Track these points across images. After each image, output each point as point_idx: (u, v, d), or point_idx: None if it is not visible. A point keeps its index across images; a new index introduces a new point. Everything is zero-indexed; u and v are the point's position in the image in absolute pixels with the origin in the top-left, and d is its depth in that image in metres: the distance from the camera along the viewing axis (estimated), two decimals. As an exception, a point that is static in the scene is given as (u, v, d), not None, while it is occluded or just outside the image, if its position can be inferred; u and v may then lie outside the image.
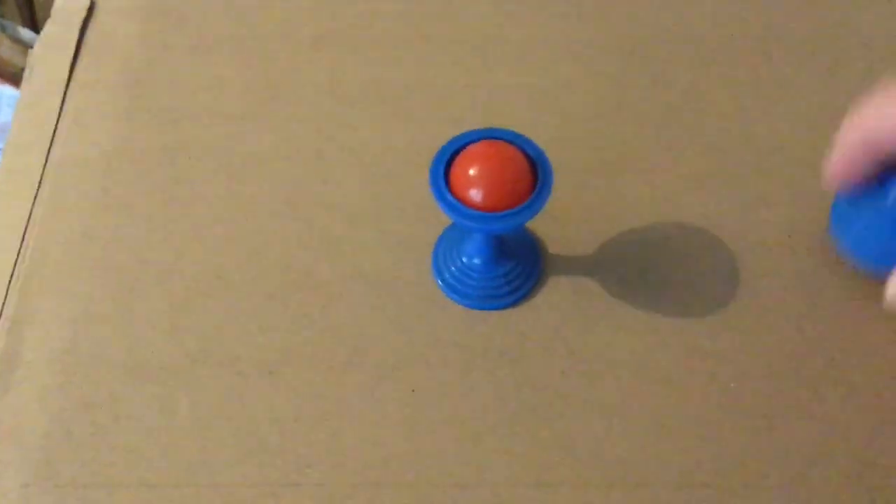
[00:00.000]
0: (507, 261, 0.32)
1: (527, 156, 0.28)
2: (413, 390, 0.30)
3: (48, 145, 0.35)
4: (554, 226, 0.33)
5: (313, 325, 0.32)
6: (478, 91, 0.37)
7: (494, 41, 0.39)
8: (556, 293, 0.32)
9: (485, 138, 0.28)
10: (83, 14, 0.39)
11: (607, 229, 0.33)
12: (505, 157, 0.28)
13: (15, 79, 1.42)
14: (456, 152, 0.28)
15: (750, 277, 0.32)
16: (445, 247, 0.33)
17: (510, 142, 0.28)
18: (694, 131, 0.36)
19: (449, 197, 0.27)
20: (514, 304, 0.32)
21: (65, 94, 0.37)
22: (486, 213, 0.27)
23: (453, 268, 0.32)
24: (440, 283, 0.32)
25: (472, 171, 0.27)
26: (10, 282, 0.32)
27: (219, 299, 0.32)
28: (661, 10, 0.40)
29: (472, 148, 0.28)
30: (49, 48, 0.38)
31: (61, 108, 0.36)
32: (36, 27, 1.52)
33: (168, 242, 0.33)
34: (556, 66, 0.38)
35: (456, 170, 0.28)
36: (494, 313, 0.32)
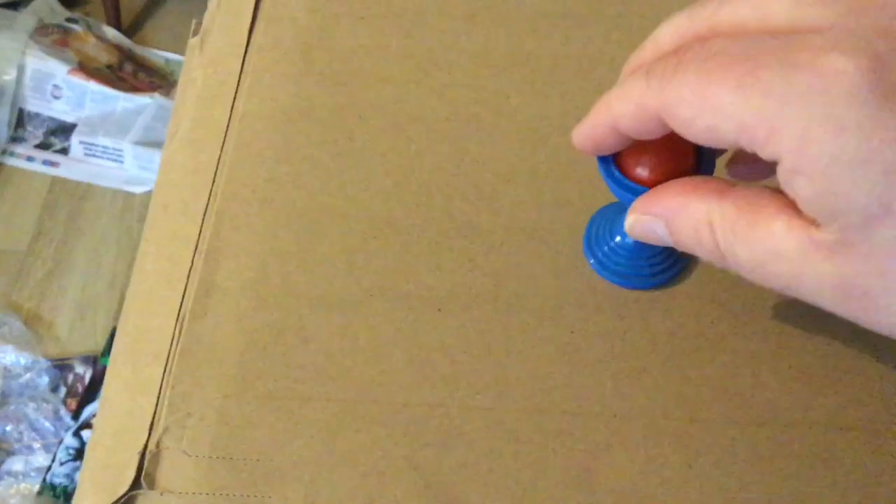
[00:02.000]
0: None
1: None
2: (572, 332, 0.33)
3: (232, 100, 0.39)
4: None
5: (476, 269, 0.34)
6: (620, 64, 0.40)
7: (636, 17, 0.41)
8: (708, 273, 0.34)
9: None
10: (257, -15, 0.42)
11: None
12: (671, 135, 0.30)
13: (100, 74, 1.49)
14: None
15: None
16: (599, 225, 0.34)
17: None
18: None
19: (616, 173, 0.29)
20: (667, 282, 0.34)
21: (244, 55, 0.40)
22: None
23: (606, 248, 0.34)
24: (592, 261, 0.34)
25: (638, 148, 0.29)
26: (203, 218, 0.35)
27: (389, 243, 0.35)
28: None
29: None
30: (226, 15, 0.42)
31: (242, 68, 0.40)
32: (120, 26, 1.59)
33: (343, 190, 0.36)
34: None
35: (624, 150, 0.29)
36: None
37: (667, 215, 0.27)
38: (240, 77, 0.39)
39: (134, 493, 0.29)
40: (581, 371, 0.32)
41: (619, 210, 0.33)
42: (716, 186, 0.26)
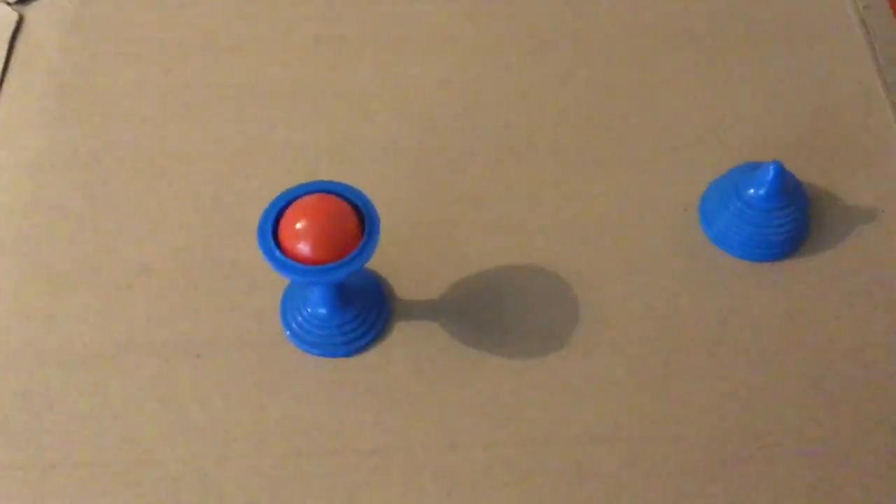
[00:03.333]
0: (351, 308, 0.32)
1: (355, 207, 0.29)
2: (334, 367, 0.32)
3: (-22, 152, 0.37)
4: (403, 270, 0.34)
5: (236, 310, 0.33)
6: (394, 87, 0.39)
7: (406, 40, 0.41)
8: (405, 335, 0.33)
9: (309, 192, 0.29)
10: (12, 27, 0.41)
11: (454, 273, 0.34)
12: (330, 210, 0.28)
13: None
14: (283, 209, 0.29)
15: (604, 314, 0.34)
16: (293, 296, 0.33)
17: (335, 193, 0.29)
18: (539, 175, 0.37)
19: (277, 254, 0.28)
20: (363, 349, 0.33)
21: (-6, 103, 0.38)
22: (311, 266, 0.28)
23: (300, 318, 0.32)
24: (287, 332, 0.33)
25: (298, 226, 0.28)
26: (-58, 281, 0.33)
27: (145, 290, 0.34)
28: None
29: (297, 203, 0.29)
30: (-22, 60, 0.40)
31: (-9, 117, 0.38)
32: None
33: (96, 239, 0.35)
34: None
35: (283, 225, 0.28)
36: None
37: None
38: (-11, 127, 0.38)
39: None
40: (340, 410, 0.31)
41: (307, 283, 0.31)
42: None
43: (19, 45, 0.40)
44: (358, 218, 0.29)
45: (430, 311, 0.33)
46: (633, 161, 0.37)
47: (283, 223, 0.28)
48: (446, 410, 0.31)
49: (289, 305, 0.33)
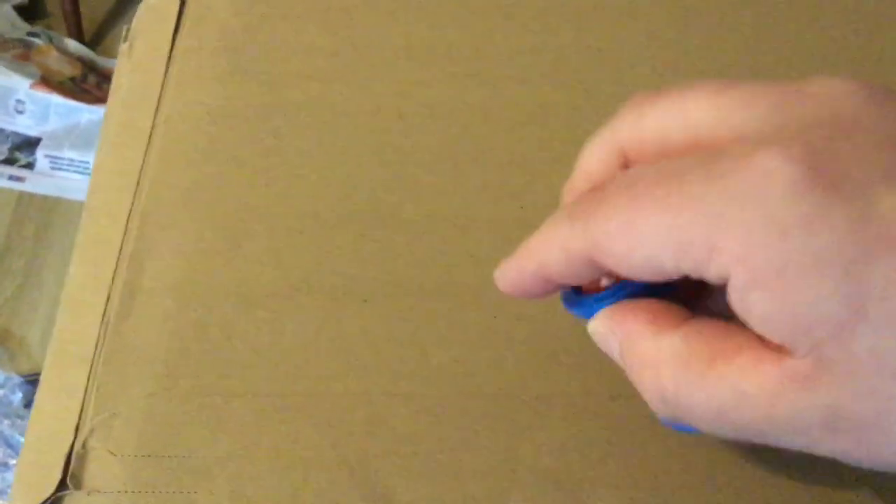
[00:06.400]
0: None
1: None
2: (494, 317, 0.33)
3: (156, 103, 0.39)
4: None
5: (399, 259, 0.35)
6: (543, 52, 0.40)
7: (557, 8, 0.42)
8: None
9: None
10: (182, -12, 0.43)
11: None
12: None
13: (62, 88, 1.48)
14: None
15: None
16: None
17: None
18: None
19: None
20: None
21: (169, 58, 0.40)
22: None
23: None
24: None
25: None
26: (127, 221, 0.36)
27: (314, 237, 0.35)
28: None
29: None
30: (152, 19, 0.42)
31: (166, 71, 0.40)
32: (82, 38, 1.58)
33: (268, 188, 0.37)
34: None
35: None
36: None
37: (621, 341, 0.24)
38: (164, 80, 0.40)
39: (61, 493, 0.30)
40: (502, 354, 0.33)
41: None
42: (672, 317, 0.22)
43: (190, 5, 0.42)
44: None
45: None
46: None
47: None
48: (607, 364, 0.32)
49: None
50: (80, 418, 0.31)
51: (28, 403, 1.21)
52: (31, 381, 1.22)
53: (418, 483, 0.30)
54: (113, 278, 0.34)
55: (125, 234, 0.35)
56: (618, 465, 0.30)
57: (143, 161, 0.37)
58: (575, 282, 0.24)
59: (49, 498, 0.29)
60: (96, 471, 0.30)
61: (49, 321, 1.30)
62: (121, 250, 0.35)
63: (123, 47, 0.42)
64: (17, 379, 1.21)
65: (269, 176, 0.37)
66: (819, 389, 0.19)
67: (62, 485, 0.30)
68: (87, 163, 1.42)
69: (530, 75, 0.40)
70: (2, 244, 1.38)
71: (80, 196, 1.42)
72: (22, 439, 1.19)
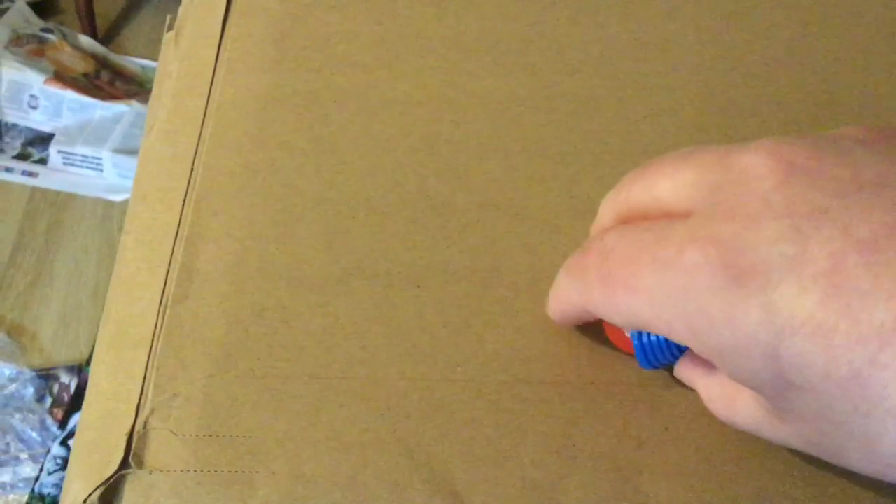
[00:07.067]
0: None
1: None
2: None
3: (207, 90, 0.39)
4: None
5: (453, 246, 0.35)
6: (589, 45, 0.41)
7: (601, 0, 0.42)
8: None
9: None
10: (230, -22, 0.43)
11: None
12: None
13: (76, 83, 1.48)
14: None
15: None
16: None
17: None
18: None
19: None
20: None
21: (219, 46, 0.41)
22: None
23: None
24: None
25: None
26: (182, 205, 0.36)
27: (366, 223, 0.36)
28: None
29: None
30: (200, 9, 0.42)
31: (216, 59, 0.40)
32: (96, 34, 1.59)
33: (319, 174, 0.37)
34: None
35: None
36: None
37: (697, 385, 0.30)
38: (215, 68, 0.40)
39: (123, 472, 0.30)
40: (557, 342, 0.33)
41: None
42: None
43: (237, -5, 0.43)
44: None
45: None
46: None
47: None
48: (661, 349, 0.32)
49: None
50: (140, 399, 0.31)
51: (40, 398, 1.21)
52: (43, 375, 1.22)
53: (478, 467, 0.30)
54: (169, 261, 0.34)
55: (180, 219, 0.35)
56: (675, 453, 0.31)
57: (196, 148, 0.37)
58: (592, 320, 0.30)
59: (111, 477, 0.30)
60: (158, 450, 0.30)
61: (60, 316, 1.30)
62: (177, 234, 0.35)
63: (168, 36, 0.43)
64: (28, 373, 1.21)
65: (319, 162, 0.37)
66: (788, 423, 0.24)
67: (124, 464, 0.30)
68: (100, 159, 1.42)
69: (579, 67, 0.40)
70: (14, 240, 1.38)
71: (91, 192, 1.42)
72: (33, 434, 1.19)
